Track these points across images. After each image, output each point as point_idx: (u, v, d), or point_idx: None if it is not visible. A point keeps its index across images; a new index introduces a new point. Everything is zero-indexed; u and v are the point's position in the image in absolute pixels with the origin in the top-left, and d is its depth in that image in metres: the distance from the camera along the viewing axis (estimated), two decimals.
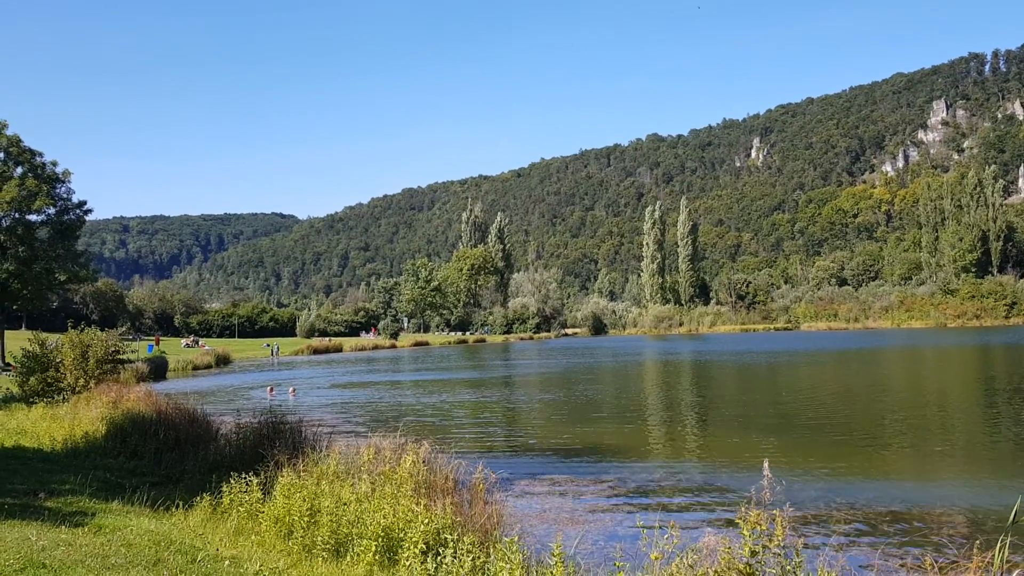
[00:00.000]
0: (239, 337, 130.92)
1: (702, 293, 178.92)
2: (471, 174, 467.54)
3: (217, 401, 32.95)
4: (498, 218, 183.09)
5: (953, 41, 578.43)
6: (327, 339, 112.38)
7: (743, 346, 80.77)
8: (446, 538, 8.39)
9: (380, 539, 8.88)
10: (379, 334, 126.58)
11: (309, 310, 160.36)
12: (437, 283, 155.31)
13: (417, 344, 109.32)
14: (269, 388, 38.41)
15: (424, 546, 8.47)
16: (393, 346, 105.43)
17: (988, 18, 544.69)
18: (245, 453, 13.78)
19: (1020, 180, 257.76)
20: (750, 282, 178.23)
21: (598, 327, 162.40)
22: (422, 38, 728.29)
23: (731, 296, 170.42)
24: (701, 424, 24.17)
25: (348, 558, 8.99)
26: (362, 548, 8.87)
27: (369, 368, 59.69)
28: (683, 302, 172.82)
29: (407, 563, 8.39)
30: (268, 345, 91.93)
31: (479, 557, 7.95)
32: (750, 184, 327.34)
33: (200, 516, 10.83)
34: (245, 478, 11.04)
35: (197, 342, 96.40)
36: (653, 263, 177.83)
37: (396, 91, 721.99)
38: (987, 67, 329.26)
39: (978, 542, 7.77)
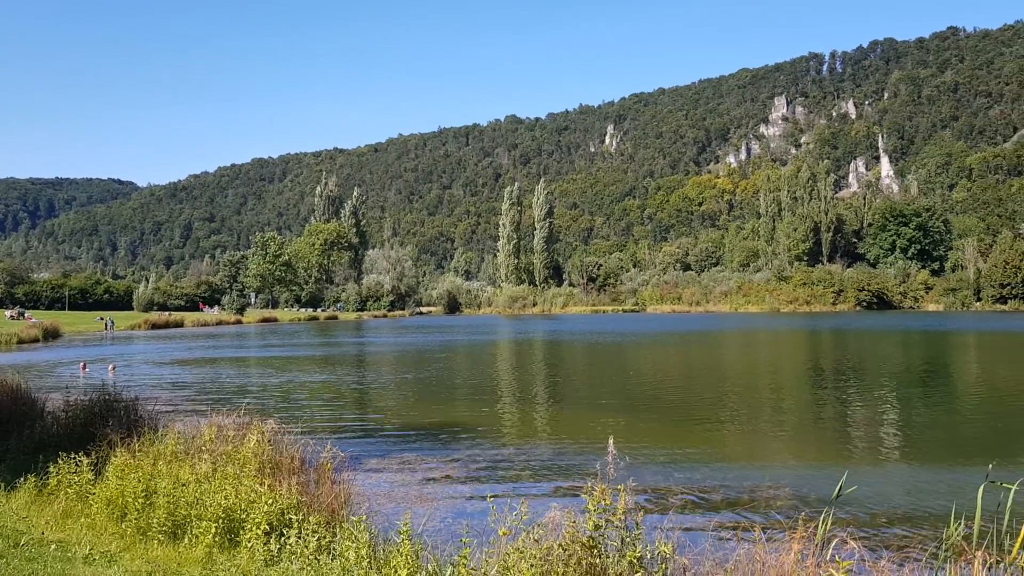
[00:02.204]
0: (70, 310, 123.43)
1: (556, 275, 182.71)
2: (326, 146, 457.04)
3: (46, 376, 30.82)
4: (354, 193, 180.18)
5: (795, 40, 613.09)
6: (167, 313, 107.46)
7: (593, 327, 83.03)
8: (291, 518, 8.20)
9: (221, 520, 8.61)
10: (223, 309, 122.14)
11: (148, 282, 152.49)
12: (287, 258, 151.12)
13: (265, 320, 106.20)
14: (82, 364, 34.41)
15: (268, 527, 8.26)
16: (239, 322, 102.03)
17: (828, 20, 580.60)
18: (75, 432, 12.94)
19: (851, 175, 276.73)
20: (601, 265, 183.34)
21: (453, 306, 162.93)
22: (278, 4, 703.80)
23: (583, 278, 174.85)
24: (552, 403, 24.67)
25: (186, 540, 8.71)
26: (201, 530, 8.60)
27: (212, 344, 57.48)
28: (537, 283, 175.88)
29: (249, 544, 8.17)
30: (102, 319, 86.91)
31: (325, 537, 7.82)
32: (603, 169, 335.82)
33: (24, 498, 10.20)
34: (75, 458, 10.44)
35: (23, 314, 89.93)
36: (509, 244, 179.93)
37: (247, 56, 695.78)
38: (825, 67, 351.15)
39: (803, 514, 8.29)
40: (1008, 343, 52.23)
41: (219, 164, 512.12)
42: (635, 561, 6.43)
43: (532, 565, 6.32)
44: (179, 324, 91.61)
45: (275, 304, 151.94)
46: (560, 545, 6.52)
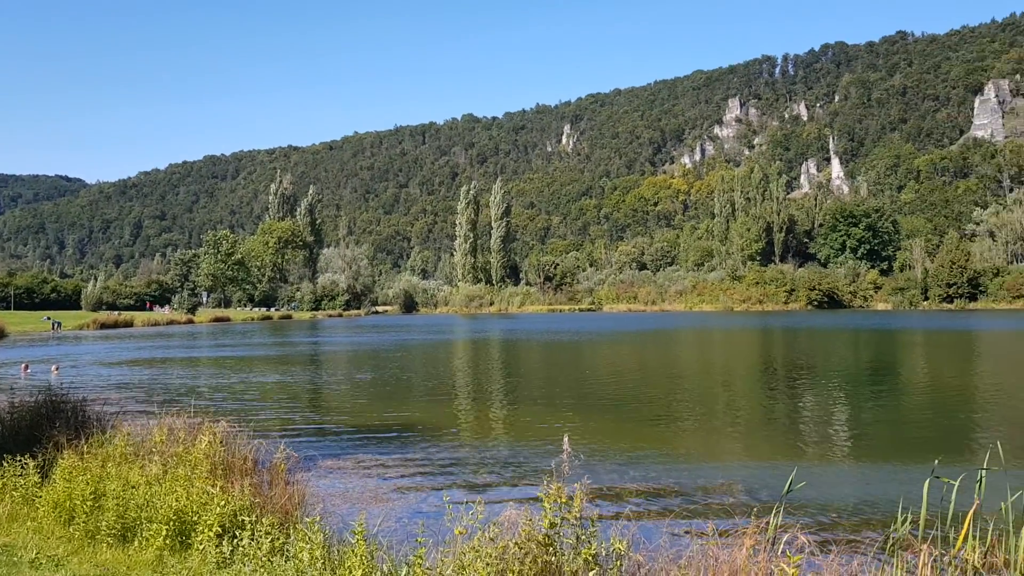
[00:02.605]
0: (16, 310, 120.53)
1: (513, 274, 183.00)
2: (280, 144, 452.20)
3: None
4: (310, 191, 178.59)
5: (749, 43, 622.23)
6: (116, 313, 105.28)
7: (549, 326, 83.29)
8: (244, 520, 8.10)
9: (172, 523, 8.48)
10: (174, 308, 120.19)
11: (96, 281, 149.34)
12: (240, 256, 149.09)
13: (217, 320, 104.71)
14: (24, 366, 33.37)
15: (220, 529, 8.16)
16: (190, 321, 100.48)
17: (780, 23, 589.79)
18: (20, 434, 12.62)
19: (803, 176, 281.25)
20: (558, 264, 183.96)
21: (409, 305, 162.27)
22: (230, 1, 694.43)
23: (540, 277, 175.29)
24: (508, 403, 24.68)
25: (136, 543, 8.56)
26: (152, 532, 8.46)
27: (163, 345, 56.53)
28: (494, 282, 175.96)
29: (201, 547, 8.06)
30: (48, 319, 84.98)
31: (278, 538, 7.73)
32: (560, 169, 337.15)
33: None
34: (20, 461, 10.23)
35: None
36: (466, 243, 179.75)
37: (200, 53, 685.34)
38: (777, 70, 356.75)
39: (755, 510, 8.41)
40: (953, 341, 53.52)
41: (171, 161, 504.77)
42: (590, 558, 6.47)
43: (488, 564, 6.32)
44: (129, 324, 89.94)
45: (228, 303, 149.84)
46: (516, 543, 6.54)
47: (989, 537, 7.42)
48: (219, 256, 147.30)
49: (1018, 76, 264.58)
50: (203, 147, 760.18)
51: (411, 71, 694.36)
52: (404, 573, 6.60)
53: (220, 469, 10.40)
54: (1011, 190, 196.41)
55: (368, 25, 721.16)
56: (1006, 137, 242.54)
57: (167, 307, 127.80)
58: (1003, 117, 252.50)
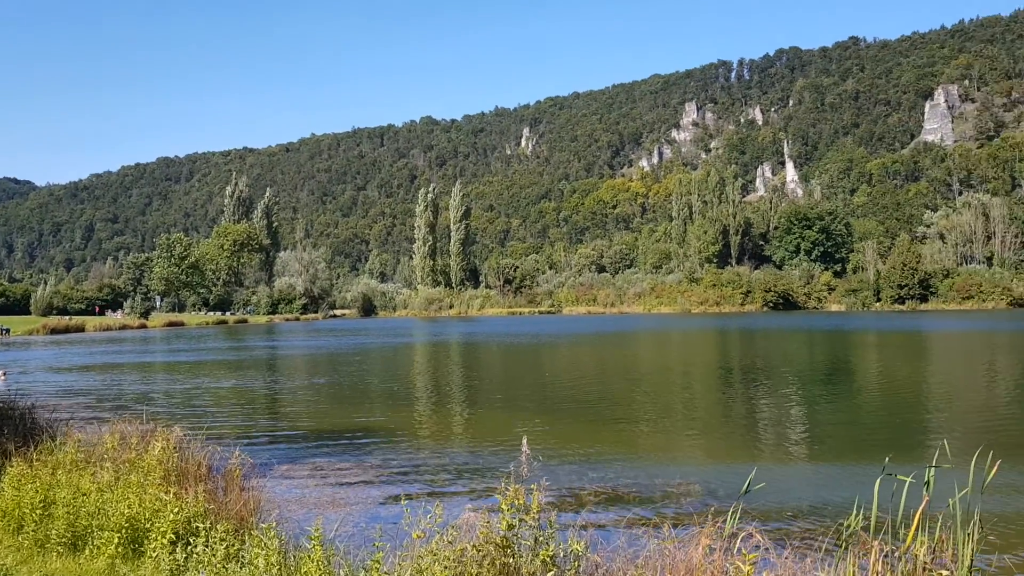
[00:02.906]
0: None
1: (472, 277, 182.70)
2: (235, 146, 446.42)
3: None
4: (266, 194, 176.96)
5: (705, 48, 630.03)
6: (67, 318, 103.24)
7: (510, 329, 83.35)
8: (198, 527, 7.99)
9: (124, 530, 8.36)
10: (126, 313, 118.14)
11: (47, 285, 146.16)
12: (194, 260, 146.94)
13: (171, 324, 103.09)
14: None
15: (174, 536, 8.04)
16: (143, 326, 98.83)
17: (736, 28, 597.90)
18: None
19: (758, 180, 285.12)
20: (518, 267, 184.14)
21: (368, 308, 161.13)
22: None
23: (500, 280, 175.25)
24: (467, 405, 24.65)
25: (87, 551, 8.44)
26: (103, 540, 8.33)
27: (116, 350, 55.52)
28: (454, 285, 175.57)
29: (154, 554, 7.94)
30: None
31: (233, 544, 7.64)
32: (520, 172, 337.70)
33: None
34: None
35: None
36: (425, 246, 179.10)
37: (151, 53, 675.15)
38: (733, 74, 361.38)
39: (712, 509, 8.49)
40: (905, 342, 54.61)
41: (123, 163, 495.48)
42: (548, 559, 6.48)
43: (446, 567, 6.31)
44: (80, 329, 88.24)
45: (182, 308, 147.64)
46: (474, 546, 6.54)
47: (938, 533, 7.58)
48: (173, 259, 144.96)
49: (967, 82, 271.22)
50: (156, 149, 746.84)
51: (369, 73, 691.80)
52: None
53: (174, 475, 10.26)
54: (960, 193, 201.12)
55: (325, 26, 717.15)
56: (955, 141, 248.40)
57: (119, 311, 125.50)
58: (952, 122, 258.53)
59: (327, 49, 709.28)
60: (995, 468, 8.14)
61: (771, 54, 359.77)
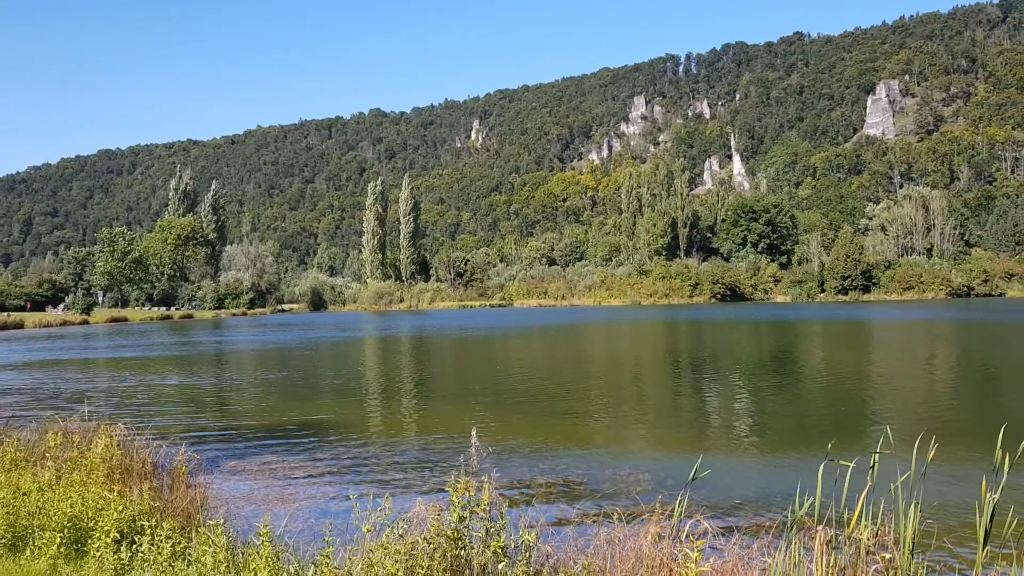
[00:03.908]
0: None
1: (423, 270, 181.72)
2: (179, 138, 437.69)
3: None
4: (212, 186, 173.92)
5: (653, 42, 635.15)
6: (5, 314, 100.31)
7: (461, 322, 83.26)
8: (143, 525, 7.86)
9: (66, 530, 8.18)
10: (68, 309, 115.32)
11: None
12: (138, 254, 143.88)
13: (114, 320, 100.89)
14: None
15: (118, 535, 7.89)
16: (85, 322, 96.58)
17: (683, 23, 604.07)
18: None
19: (706, 173, 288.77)
20: (468, 260, 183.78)
21: (317, 303, 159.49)
22: None
23: (450, 273, 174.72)
24: (418, 399, 24.58)
25: (28, 552, 8.22)
26: (45, 540, 8.13)
27: (57, 347, 54.14)
28: (404, 278, 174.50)
29: (98, 554, 7.78)
30: None
31: (180, 543, 7.53)
32: (470, 165, 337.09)
33: None
34: None
35: None
36: (375, 239, 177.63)
37: (92, 42, 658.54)
38: (681, 68, 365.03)
39: (660, 497, 8.60)
40: (848, 332, 55.84)
41: (62, 155, 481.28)
42: (499, 551, 6.50)
43: (397, 560, 6.29)
44: (19, 325, 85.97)
45: (125, 303, 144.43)
46: (425, 539, 6.54)
47: (880, 517, 7.78)
48: (116, 254, 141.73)
49: (907, 77, 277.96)
50: (97, 141, 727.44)
51: (316, 64, 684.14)
52: (311, 573, 6.50)
53: (118, 473, 10.08)
54: (901, 186, 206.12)
55: (270, 16, 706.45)
56: (896, 135, 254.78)
57: (60, 307, 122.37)
58: (893, 116, 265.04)
59: (273, 39, 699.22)
60: (932, 453, 8.38)
61: (718, 48, 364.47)
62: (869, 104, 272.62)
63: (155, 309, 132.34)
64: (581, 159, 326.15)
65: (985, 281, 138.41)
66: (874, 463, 8.06)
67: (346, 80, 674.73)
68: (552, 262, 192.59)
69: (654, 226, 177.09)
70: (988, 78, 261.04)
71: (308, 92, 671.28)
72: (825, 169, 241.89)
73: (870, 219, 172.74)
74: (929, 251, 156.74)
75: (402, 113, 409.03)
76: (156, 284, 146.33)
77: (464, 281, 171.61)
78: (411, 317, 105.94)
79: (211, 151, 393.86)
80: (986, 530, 7.05)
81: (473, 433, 7.86)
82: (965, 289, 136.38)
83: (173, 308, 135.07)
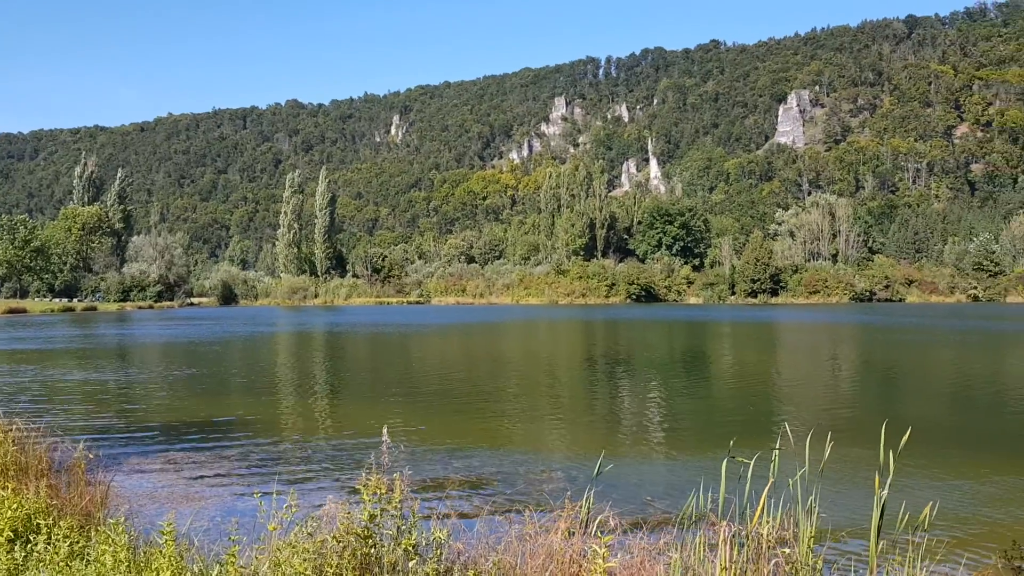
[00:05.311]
0: None
1: (339, 265, 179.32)
2: (85, 123, 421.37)
3: None
4: (119, 175, 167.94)
5: (574, 44, 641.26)
6: None
7: (377, 318, 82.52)
8: (39, 524, 7.56)
9: None
10: None
11: None
12: (39, 243, 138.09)
13: (11, 311, 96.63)
14: None
15: (12, 534, 7.57)
16: None
17: (604, 26, 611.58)
18: None
19: (623, 175, 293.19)
20: (386, 256, 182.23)
21: (228, 296, 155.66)
22: None
23: (367, 269, 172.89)
24: (331, 396, 24.30)
25: None
26: None
27: None
28: (319, 273, 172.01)
29: None
30: None
31: (78, 542, 7.28)
32: (389, 160, 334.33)
33: None
34: None
35: None
36: (290, 232, 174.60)
37: None
38: (601, 71, 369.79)
39: (569, 494, 8.72)
40: (755, 333, 57.50)
41: None
42: (410, 548, 6.49)
43: (305, 559, 6.21)
44: None
45: (24, 294, 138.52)
46: (334, 537, 6.48)
47: (779, 513, 8.07)
48: (15, 243, 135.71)
49: (817, 87, 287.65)
50: None
51: (231, 52, 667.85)
52: (216, 573, 6.37)
53: (12, 470, 9.68)
54: (809, 193, 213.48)
55: (182, 1, 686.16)
56: (806, 144, 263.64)
57: None
58: (803, 125, 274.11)
59: (187, 25, 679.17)
60: (828, 451, 8.73)
61: (637, 53, 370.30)
62: (780, 113, 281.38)
63: (56, 300, 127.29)
64: (501, 158, 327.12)
65: (886, 287, 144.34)
66: (775, 460, 8.36)
67: (262, 70, 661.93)
68: (471, 260, 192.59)
69: (572, 226, 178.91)
70: (893, 91, 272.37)
71: (222, 80, 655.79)
72: (738, 175, 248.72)
73: (779, 225, 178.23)
74: (834, 257, 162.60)
75: (320, 105, 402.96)
76: (58, 275, 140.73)
77: (381, 277, 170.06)
78: (326, 313, 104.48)
79: (119, 138, 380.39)
80: (878, 524, 7.38)
81: (384, 431, 7.83)
82: (867, 294, 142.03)
83: (75, 300, 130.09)
